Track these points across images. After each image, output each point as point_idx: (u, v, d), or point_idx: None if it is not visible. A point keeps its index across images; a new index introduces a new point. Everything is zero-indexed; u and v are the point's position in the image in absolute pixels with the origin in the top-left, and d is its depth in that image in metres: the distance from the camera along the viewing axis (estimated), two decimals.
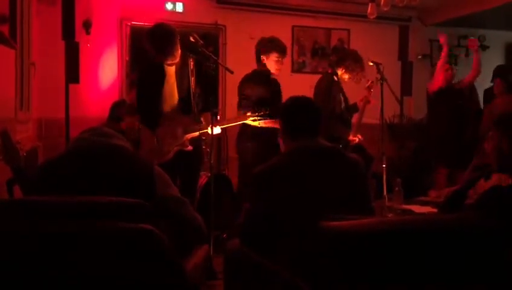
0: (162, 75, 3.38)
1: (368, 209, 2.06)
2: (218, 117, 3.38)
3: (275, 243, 1.87)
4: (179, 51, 3.38)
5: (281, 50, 3.76)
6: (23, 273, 1.39)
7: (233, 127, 3.88)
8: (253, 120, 3.39)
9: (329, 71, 4.18)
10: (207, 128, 3.34)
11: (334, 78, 4.06)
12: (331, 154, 2.06)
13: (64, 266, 1.39)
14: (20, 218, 1.46)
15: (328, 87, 4.05)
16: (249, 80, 3.80)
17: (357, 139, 4.04)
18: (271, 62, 3.74)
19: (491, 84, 5.26)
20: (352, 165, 2.05)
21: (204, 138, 4.67)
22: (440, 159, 4.59)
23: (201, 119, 3.40)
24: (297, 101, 2.18)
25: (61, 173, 1.74)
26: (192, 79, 3.39)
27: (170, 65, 3.39)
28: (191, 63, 3.40)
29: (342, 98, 4.12)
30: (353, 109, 4.17)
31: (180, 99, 3.41)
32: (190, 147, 3.36)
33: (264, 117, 3.36)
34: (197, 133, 3.38)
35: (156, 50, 3.34)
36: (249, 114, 3.43)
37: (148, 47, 3.38)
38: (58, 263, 1.39)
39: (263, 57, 3.76)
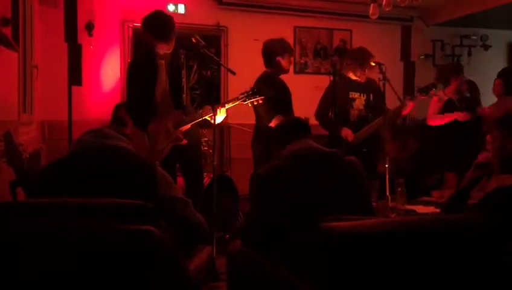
0: (154, 69, 3.33)
1: (369, 210, 2.07)
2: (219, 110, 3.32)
3: (276, 245, 1.87)
4: (173, 40, 3.32)
5: (291, 50, 3.97)
6: (25, 275, 1.39)
7: (238, 130, 3.86)
8: (243, 101, 3.36)
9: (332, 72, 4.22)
10: (201, 118, 3.30)
11: (335, 78, 4.09)
12: (330, 157, 2.08)
13: (65, 268, 1.39)
14: (23, 220, 1.46)
15: (327, 88, 4.14)
16: (263, 82, 3.83)
17: (349, 138, 3.98)
18: (286, 62, 3.90)
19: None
20: (351, 167, 2.07)
21: (206, 138, 4.68)
22: (449, 162, 4.53)
23: (201, 112, 3.35)
24: (287, 118, 2.43)
25: (63, 175, 1.75)
26: (183, 72, 3.36)
27: (162, 58, 3.35)
28: (182, 56, 3.37)
29: (360, 97, 4.11)
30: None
31: (172, 93, 3.36)
32: (185, 141, 3.34)
33: (253, 95, 3.32)
34: (189, 125, 3.34)
35: (151, 34, 3.26)
36: (240, 96, 3.36)
37: (143, 33, 3.31)
38: (60, 264, 1.39)
39: (279, 58, 3.86)
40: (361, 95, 4.11)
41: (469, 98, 4.80)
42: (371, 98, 4.14)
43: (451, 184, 4.37)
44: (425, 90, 3.96)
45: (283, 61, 3.87)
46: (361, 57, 4.07)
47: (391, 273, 1.28)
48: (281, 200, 1.93)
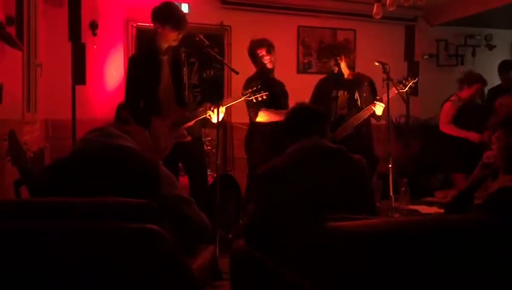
0: (157, 65, 3.31)
1: (372, 209, 2.06)
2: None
3: (279, 243, 1.87)
4: (182, 32, 3.31)
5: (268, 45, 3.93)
6: (29, 273, 1.40)
7: (241, 129, 3.86)
8: (249, 97, 3.38)
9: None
10: (204, 115, 3.31)
11: (326, 76, 4.11)
12: (335, 154, 2.06)
13: (69, 267, 1.40)
14: (27, 218, 1.47)
15: (315, 85, 4.14)
16: (249, 79, 3.84)
17: None
18: (264, 57, 3.89)
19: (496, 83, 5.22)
20: (356, 165, 2.06)
21: (210, 138, 4.69)
22: (458, 163, 4.49)
23: (200, 109, 3.36)
24: (301, 105, 2.25)
25: (67, 174, 1.75)
26: (185, 70, 3.35)
27: (164, 54, 3.32)
28: (183, 54, 3.36)
29: (343, 95, 4.07)
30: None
31: (174, 90, 3.34)
32: (189, 138, 3.33)
33: (257, 92, 3.36)
34: (192, 122, 3.33)
35: (162, 21, 3.26)
36: (243, 93, 3.40)
37: (153, 23, 3.31)
38: (63, 263, 1.40)
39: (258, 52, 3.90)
40: (345, 93, 4.03)
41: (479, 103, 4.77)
42: (356, 95, 4.03)
43: (461, 185, 4.33)
44: (403, 83, 3.90)
45: (261, 56, 3.87)
46: (326, 52, 4.08)
47: (394, 273, 1.28)
48: (284, 199, 1.93)
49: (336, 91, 4.04)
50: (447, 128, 4.63)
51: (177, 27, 3.27)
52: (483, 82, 4.62)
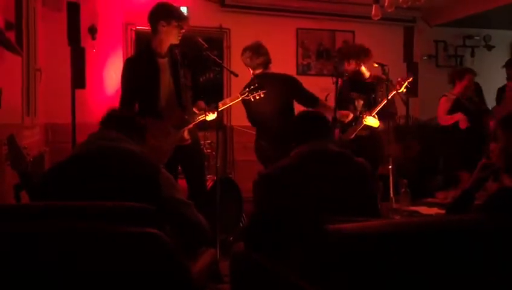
0: (154, 68, 3.23)
1: (374, 212, 2.06)
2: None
3: (280, 246, 1.87)
4: (186, 24, 3.27)
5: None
6: (30, 277, 1.40)
7: (242, 132, 3.86)
8: (247, 96, 3.36)
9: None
10: (202, 118, 3.29)
11: (338, 80, 4.10)
12: (338, 157, 2.06)
13: (69, 270, 1.39)
14: (27, 223, 1.46)
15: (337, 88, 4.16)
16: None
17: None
18: None
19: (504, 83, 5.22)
20: (359, 168, 2.06)
21: (209, 141, 4.68)
22: (463, 161, 4.50)
23: (194, 109, 3.33)
24: (306, 111, 2.27)
25: (67, 178, 1.75)
26: (181, 71, 3.30)
27: (162, 56, 3.26)
28: (178, 56, 3.30)
29: (359, 97, 4.09)
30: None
31: (176, 93, 3.27)
32: (189, 141, 3.32)
33: (254, 90, 3.34)
34: (191, 125, 3.30)
35: (166, 17, 3.20)
36: (240, 93, 3.39)
37: (155, 23, 3.24)
38: (63, 267, 1.40)
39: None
40: (361, 95, 4.08)
41: (476, 101, 4.83)
42: (371, 98, 4.06)
43: (466, 183, 4.33)
44: (400, 83, 3.90)
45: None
46: (346, 53, 4.09)
47: (395, 275, 1.28)
48: (286, 201, 1.92)
49: (353, 93, 4.09)
50: (444, 120, 4.76)
51: (182, 20, 3.23)
52: (473, 72, 4.77)
